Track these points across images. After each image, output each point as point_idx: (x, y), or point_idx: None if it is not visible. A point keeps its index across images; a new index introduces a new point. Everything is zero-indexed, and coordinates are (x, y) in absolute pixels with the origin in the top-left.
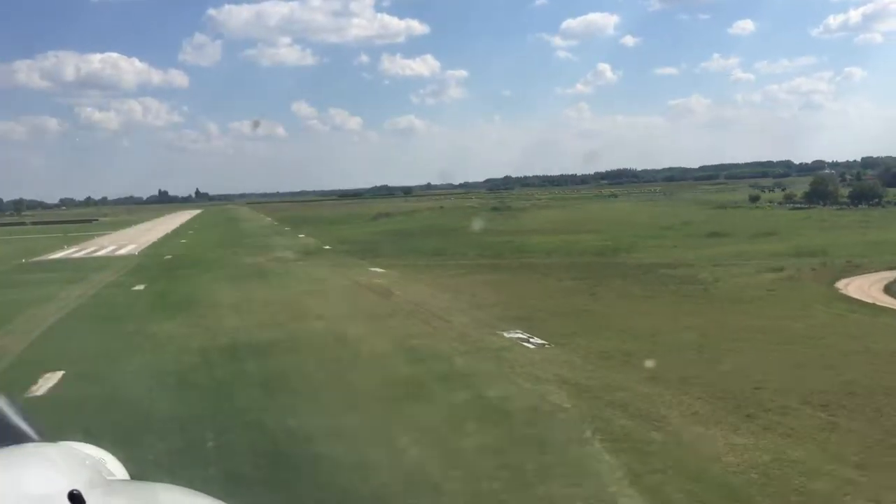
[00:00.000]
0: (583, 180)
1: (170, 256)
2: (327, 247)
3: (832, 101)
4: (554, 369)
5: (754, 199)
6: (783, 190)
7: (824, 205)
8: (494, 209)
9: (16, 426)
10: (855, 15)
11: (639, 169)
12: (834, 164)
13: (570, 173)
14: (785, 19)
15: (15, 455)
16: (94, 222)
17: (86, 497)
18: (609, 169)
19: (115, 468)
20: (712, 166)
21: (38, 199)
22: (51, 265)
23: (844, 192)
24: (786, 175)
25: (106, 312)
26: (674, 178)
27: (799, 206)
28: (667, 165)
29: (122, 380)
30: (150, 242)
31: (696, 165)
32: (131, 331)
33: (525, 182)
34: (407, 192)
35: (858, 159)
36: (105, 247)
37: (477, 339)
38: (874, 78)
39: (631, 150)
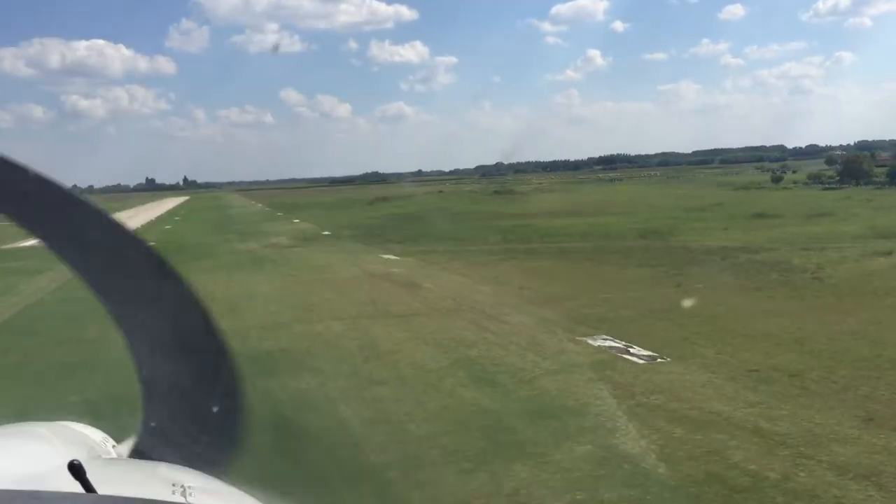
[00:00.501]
0: (576, 166)
1: (153, 243)
2: (326, 232)
3: (822, 86)
4: (700, 401)
5: (777, 179)
6: (793, 172)
7: (857, 184)
8: (496, 192)
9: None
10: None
11: (632, 154)
12: (828, 148)
13: (562, 159)
14: (775, 4)
15: (12, 433)
16: None
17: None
18: (603, 154)
19: (108, 447)
20: (705, 151)
21: None
22: None
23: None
24: (782, 159)
25: (43, 327)
26: (668, 162)
27: (830, 185)
28: (657, 150)
29: None
30: (134, 229)
31: (688, 150)
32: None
33: (517, 168)
34: (399, 178)
35: (853, 143)
36: None
37: (556, 348)
38: (864, 62)
39: (620, 135)
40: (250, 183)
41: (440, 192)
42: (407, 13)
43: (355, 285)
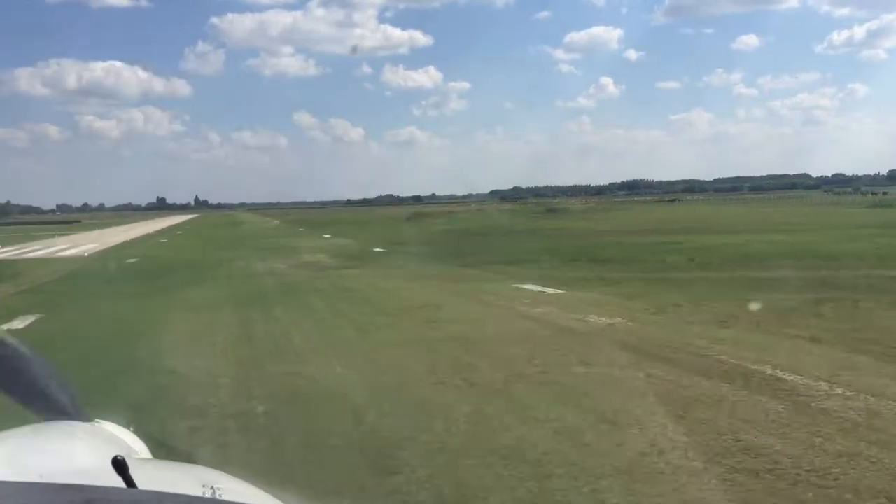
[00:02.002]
0: (598, 191)
1: (135, 259)
2: (378, 249)
3: (836, 117)
4: None
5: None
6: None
7: None
8: (549, 210)
9: (59, 401)
10: (859, 31)
11: (655, 180)
12: (856, 178)
13: (582, 184)
14: (789, 35)
15: (49, 432)
16: (77, 223)
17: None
18: (625, 179)
19: (139, 447)
20: (727, 179)
21: (36, 205)
22: None
23: None
24: (816, 187)
25: None
26: (693, 188)
27: None
28: (676, 178)
29: None
30: (118, 242)
31: (708, 178)
32: None
33: (537, 192)
34: (417, 200)
35: (884, 172)
36: (56, 246)
37: None
38: (879, 94)
39: (634, 162)
40: (262, 204)
41: (479, 209)
42: (422, 39)
43: (569, 371)
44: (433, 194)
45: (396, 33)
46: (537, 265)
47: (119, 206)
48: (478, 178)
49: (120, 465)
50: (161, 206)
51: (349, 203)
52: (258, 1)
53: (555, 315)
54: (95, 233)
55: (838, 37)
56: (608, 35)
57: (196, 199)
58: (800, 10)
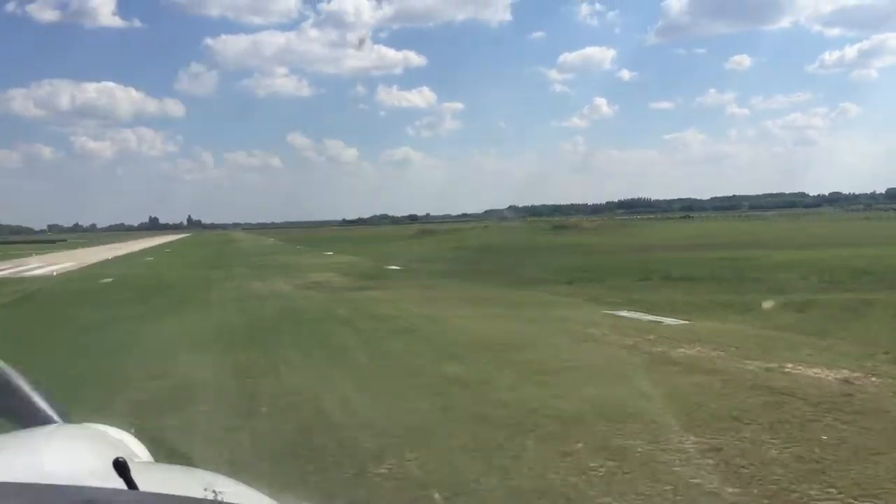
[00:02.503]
0: (594, 209)
1: (109, 280)
2: (394, 266)
3: (827, 136)
4: None
5: None
6: None
7: None
8: (557, 227)
9: (39, 407)
10: (850, 51)
11: (654, 199)
12: (853, 196)
13: (579, 202)
14: (781, 55)
15: (49, 435)
16: (59, 242)
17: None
18: (623, 198)
19: (139, 451)
20: (725, 197)
21: (26, 225)
22: None
23: None
24: (817, 205)
25: None
26: (691, 207)
27: None
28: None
29: None
30: (97, 261)
31: (703, 196)
32: None
33: (532, 211)
34: (413, 219)
35: (883, 191)
36: (27, 265)
37: None
38: (870, 113)
39: (628, 181)
40: (256, 224)
41: (485, 227)
42: (415, 59)
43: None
44: (428, 214)
45: (391, 53)
46: (604, 285)
47: (111, 226)
48: (472, 198)
49: (121, 467)
50: (153, 227)
51: (345, 222)
52: (252, 22)
53: (725, 363)
54: (78, 251)
55: (830, 57)
56: (601, 55)
57: (189, 219)
58: (791, 30)
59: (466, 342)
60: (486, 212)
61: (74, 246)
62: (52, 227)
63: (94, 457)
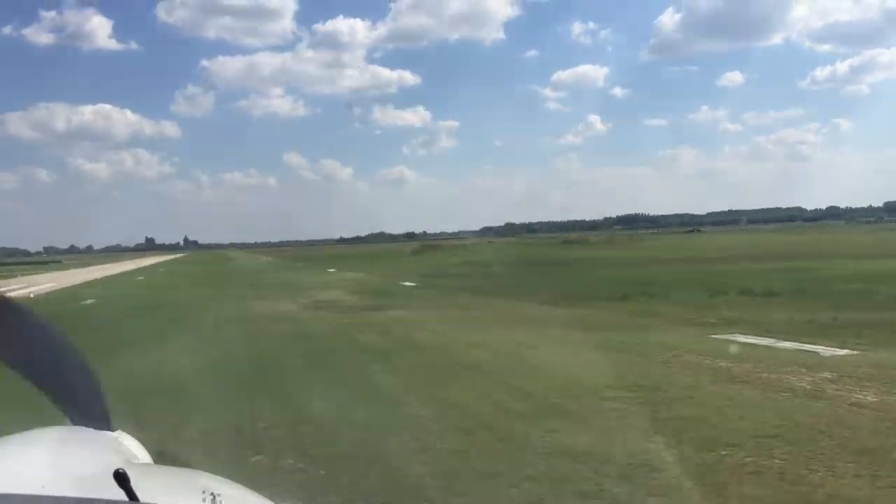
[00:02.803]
0: (593, 226)
1: (91, 301)
2: (408, 283)
3: (820, 152)
4: None
5: None
6: None
7: None
8: (566, 242)
9: (96, 408)
10: (842, 67)
11: (653, 214)
12: (850, 210)
13: (577, 219)
14: (773, 71)
15: (54, 437)
16: (53, 264)
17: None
18: (621, 214)
19: (138, 452)
20: (721, 212)
21: (23, 247)
22: None
23: None
24: (815, 219)
25: None
26: (690, 223)
27: None
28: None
29: None
30: (83, 282)
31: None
32: None
33: (529, 228)
34: (410, 236)
35: (881, 204)
36: (7, 287)
37: None
38: (862, 128)
39: (623, 197)
40: (252, 244)
41: (490, 243)
42: (410, 78)
43: None
44: (424, 232)
45: (385, 73)
46: (671, 301)
47: (107, 247)
48: (468, 215)
49: (121, 478)
50: (150, 247)
51: (342, 240)
52: (248, 43)
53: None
54: (66, 272)
55: (821, 73)
56: (595, 73)
57: (185, 240)
58: (783, 46)
59: (559, 386)
60: (482, 229)
61: (67, 267)
62: (47, 249)
63: (95, 461)
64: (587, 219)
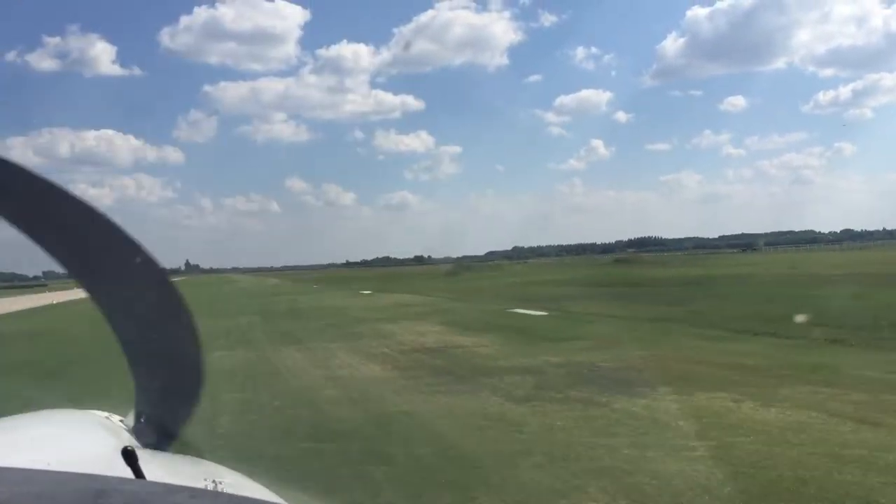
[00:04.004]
0: (604, 249)
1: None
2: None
3: (825, 176)
4: None
5: None
6: None
7: None
8: (619, 261)
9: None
10: (845, 91)
11: (664, 237)
12: (865, 233)
13: (588, 242)
14: (775, 95)
15: (57, 418)
16: (37, 287)
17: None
18: (632, 237)
19: (138, 436)
20: (733, 236)
21: (22, 272)
22: None
23: None
24: (838, 241)
25: None
26: (705, 246)
27: None
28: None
29: None
30: (43, 305)
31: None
32: None
33: (539, 251)
34: (420, 260)
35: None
36: None
37: None
38: (865, 152)
39: (627, 221)
40: (255, 268)
41: (524, 262)
42: (413, 103)
43: None
44: (429, 256)
45: (388, 98)
46: None
47: None
48: (472, 240)
49: (129, 456)
50: None
51: (348, 264)
52: (251, 69)
53: None
54: (42, 295)
55: (824, 97)
56: (598, 98)
57: (187, 264)
58: (786, 70)
59: None
60: (487, 253)
61: (52, 290)
62: (46, 274)
63: (98, 443)
64: (598, 242)
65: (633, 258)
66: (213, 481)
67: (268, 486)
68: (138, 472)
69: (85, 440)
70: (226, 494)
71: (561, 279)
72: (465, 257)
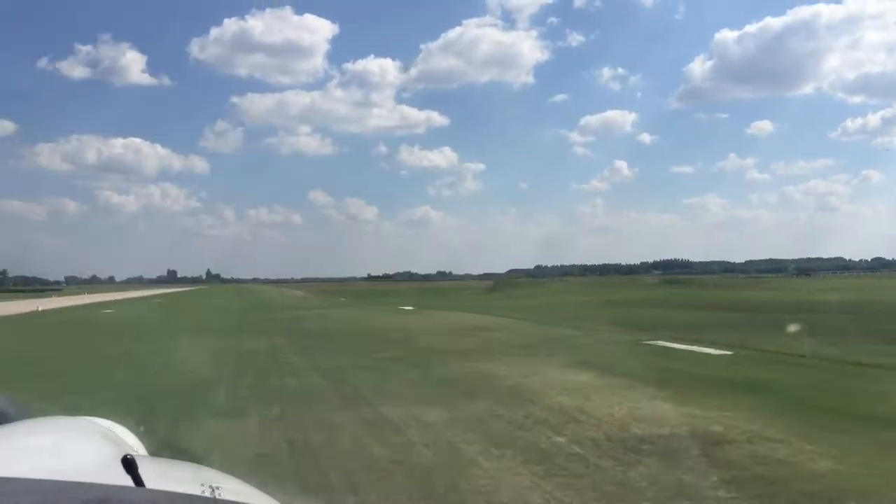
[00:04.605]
0: (629, 270)
1: None
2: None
3: (849, 203)
4: None
5: None
6: None
7: None
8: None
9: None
10: (873, 119)
11: (694, 260)
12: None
13: (613, 262)
14: (803, 121)
15: (45, 428)
16: (55, 291)
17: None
18: (658, 259)
19: (135, 444)
20: (761, 261)
21: (45, 276)
22: None
23: None
24: (871, 269)
25: None
26: (733, 270)
27: None
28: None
29: None
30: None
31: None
32: None
33: (563, 271)
34: (442, 275)
35: None
36: None
37: None
38: (893, 180)
39: (648, 243)
40: (275, 280)
41: (563, 279)
42: (438, 119)
43: None
44: (450, 272)
45: (414, 113)
46: None
47: (129, 278)
48: (493, 258)
49: (129, 464)
50: (171, 279)
51: (370, 278)
52: (279, 81)
53: None
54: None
55: (852, 124)
56: (623, 119)
57: (208, 273)
58: (814, 96)
59: None
60: (509, 271)
61: (66, 294)
62: (68, 279)
63: (98, 451)
64: (622, 263)
65: (685, 280)
66: (211, 487)
67: (266, 492)
68: (138, 480)
69: (85, 448)
70: (224, 501)
71: (640, 299)
72: (486, 274)
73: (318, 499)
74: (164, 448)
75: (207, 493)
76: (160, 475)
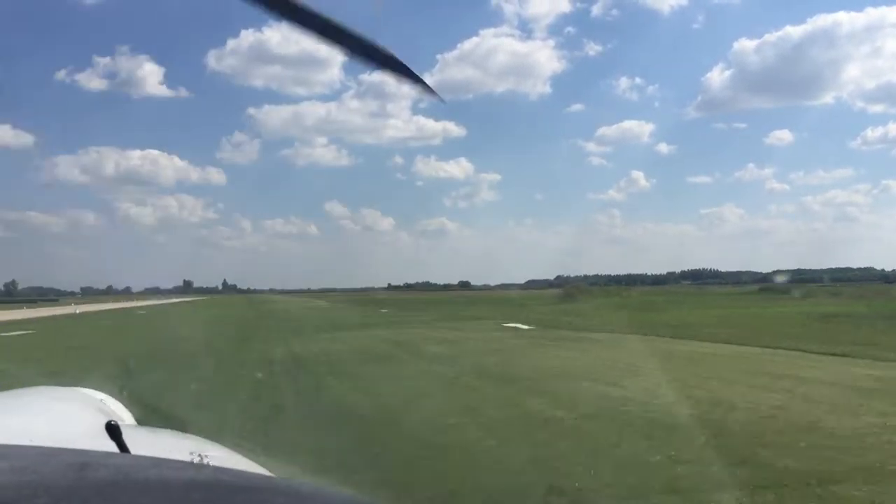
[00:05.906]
0: (655, 280)
1: None
2: None
3: (869, 213)
4: None
5: None
6: None
7: None
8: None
9: None
10: (894, 128)
11: (719, 269)
12: None
13: (638, 272)
14: (823, 130)
15: (34, 396)
16: (54, 301)
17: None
18: (686, 269)
19: (123, 414)
20: (789, 270)
21: (61, 287)
22: None
23: None
24: None
25: None
26: (766, 279)
27: None
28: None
29: None
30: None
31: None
32: None
33: (590, 281)
34: (465, 285)
35: None
36: None
37: None
38: None
39: (668, 254)
40: (292, 290)
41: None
42: (455, 130)
43: None
44: (467, 282)
45: (430, 124)
46: None
47: (146, 289)
48: (511, 268)
49: (113, 430)
50: (187, 290)
51: (390, 287)
52: (295, 92)
53: None
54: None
55: (872, 133)
56: (640, 129)
57: (224, 283)
58: (834, 105)
59: None
60: (527, 281)
61: (53, 305)
62: (84, 290)
63: (82, 419)
64: (648, 273)
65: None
66: (199, 455)
67: (256, 460)
68: (122, 446)
69: (70, 416)
70: (210, 467)
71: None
72: (504, 284)
73: (304, 467)
74: None
75: (195, 461)
76: (146, 442)
